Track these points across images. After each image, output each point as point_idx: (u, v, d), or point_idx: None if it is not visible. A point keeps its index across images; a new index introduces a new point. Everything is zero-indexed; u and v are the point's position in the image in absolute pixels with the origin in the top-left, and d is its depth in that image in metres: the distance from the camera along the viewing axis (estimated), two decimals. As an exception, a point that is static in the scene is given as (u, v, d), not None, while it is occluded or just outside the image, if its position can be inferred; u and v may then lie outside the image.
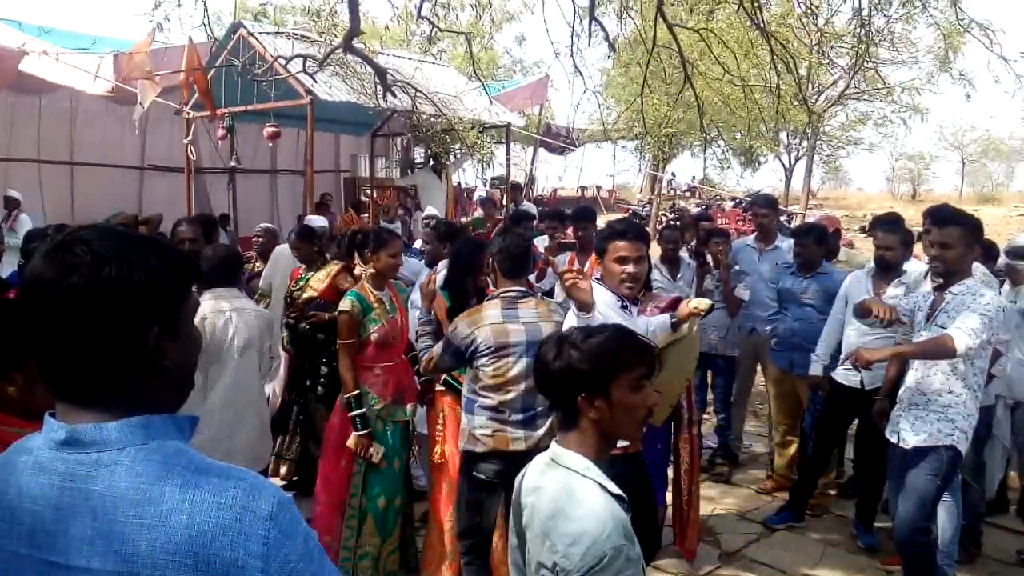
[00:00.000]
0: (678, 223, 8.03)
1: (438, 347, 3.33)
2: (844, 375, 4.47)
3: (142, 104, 8.39)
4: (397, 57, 10.88)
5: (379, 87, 7.46)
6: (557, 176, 30.09)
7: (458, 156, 13.01)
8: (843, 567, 4.19)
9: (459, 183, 17.81)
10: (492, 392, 3.17)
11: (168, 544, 0.95)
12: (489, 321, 3.17)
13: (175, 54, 8.42)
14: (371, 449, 3.63)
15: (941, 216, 3.47)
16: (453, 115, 9.60)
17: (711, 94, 9.51)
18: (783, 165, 24.74)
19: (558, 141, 20.80)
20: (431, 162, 12.90)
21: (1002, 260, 4.83)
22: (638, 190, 34.30)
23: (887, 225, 4.53)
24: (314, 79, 8.11)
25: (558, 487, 1.73)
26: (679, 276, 5.65)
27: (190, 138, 9.38)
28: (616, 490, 1.72)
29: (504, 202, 10.74)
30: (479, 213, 8.83)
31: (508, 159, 11.85)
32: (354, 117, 10.96)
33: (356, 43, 6.63)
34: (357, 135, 13.00)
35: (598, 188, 33.35)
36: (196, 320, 3.54)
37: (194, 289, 1.16)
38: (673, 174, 32.10)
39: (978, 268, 4.05)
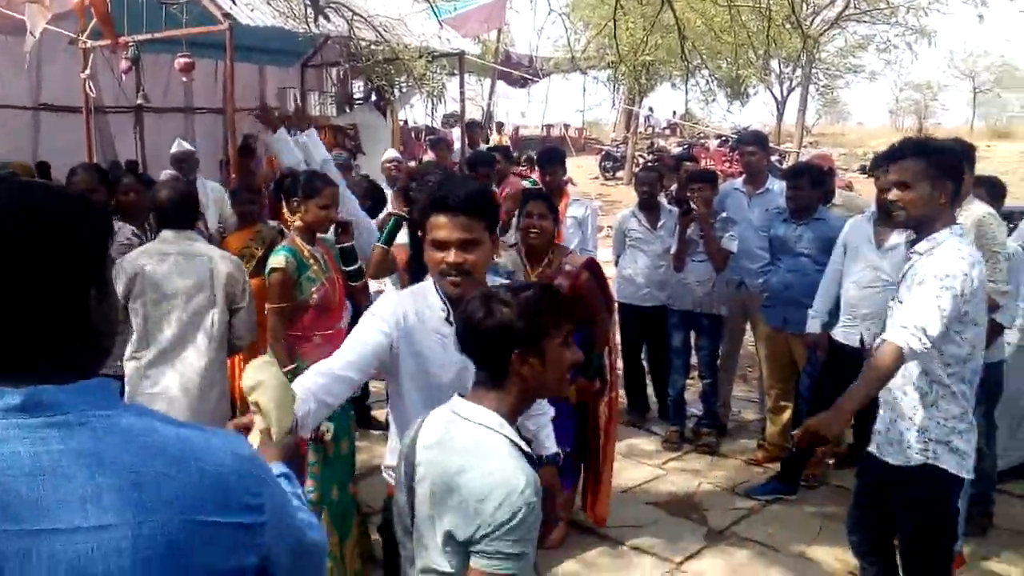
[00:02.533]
0: (656, 164, 8.09)
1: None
2: (843, 333, 4.59)
3: (32, 33, 8.12)
4: (331, -26, 10.66)
5: (309, 9, 7.32)
6: (519, 112, 29.91)
7: (404, 90, 12.86)
8: (843, 543, 4.30)
9: (406, 121, 17.64)
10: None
11: (181, 494, 1.03)
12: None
13: (69, -28, 8.15)
14: (321, 428, 3.61)
15: (894, 150, 3.03)
16: (397, 42, 9.46)
17: (693, 16, 9.52)
18: (774, 97, 25.01)
19: (519, 72, 20.68)
20: (373, 97, 12.73)
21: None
22: (611, 128, 34.36)
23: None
24: (233, 1, 7.94)
25: (466, 442, 1.84)
26: (659, 224, 5.71)
27: (88, 72, 9.11)
28: (527, 448, 1.86)
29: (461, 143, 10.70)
30: (430, 156, 8.79)
31: (462, 93, 11.75)
32: (281, 45, 10.74)
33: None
34: (285, 66, 12.76)
35: (566, 126, 33.32)
36: (135, 266, 3.50)
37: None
38: (651, 109, 32.20)
39: (984, 208, 4.14)
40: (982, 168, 4.73)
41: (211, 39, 8.76)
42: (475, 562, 1.75)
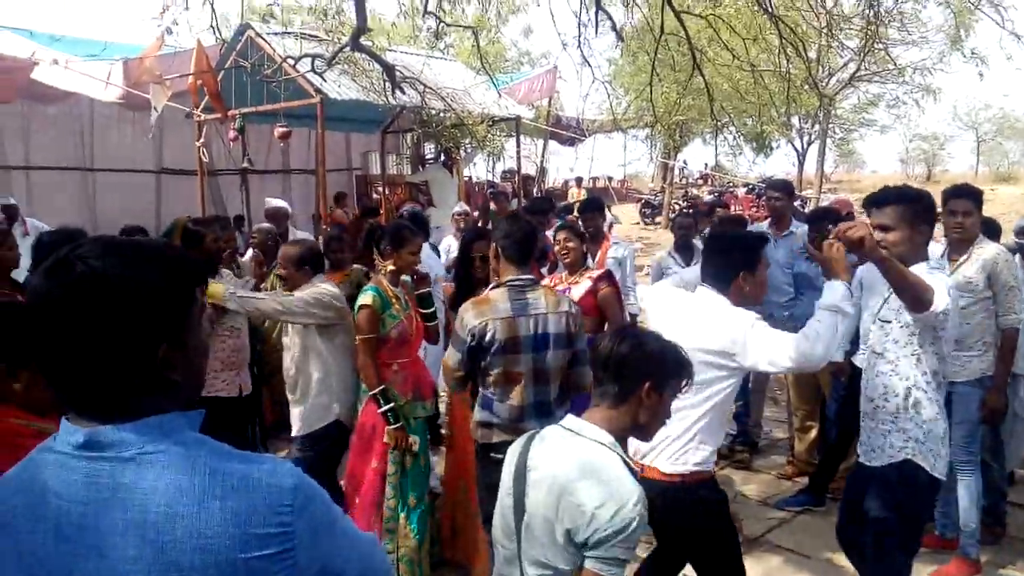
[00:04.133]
0: (691, 211, 8.02)
1: (449, 349, 3.15)
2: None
3: (155, 108, 8.45)
4: (405, 53, 10.89)
5: (388, 84, 7.47)
6: (568, 168, 29.93)
7: (468, 150, 13.02)
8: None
9: (470, 177, 17.82)
10: (502, 389, 3.05)
11: (205, 530, 0.99)
12: (499, 315, 2.98)
13: (184, 57, 8.47)
14: (410, 439, 3.62)
15: (876, 198, 3.02)
16: (462, 109, 9.61)
17: (721, 80, 9.48)
18: (795, 150, 24.63)
19: (568, 132, 20.76)
20: (442, 157, 12.91)
21: (1012, 239, 4.79)
22: (650, 179, 34.22)
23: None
24: (323, 78, 8.13)
25: (583, 455, 1.86)
26: (693, 263, 5.65)
27: (202, 140, 9.43)
28: (635, 472, 1.88)
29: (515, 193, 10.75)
30: (492, 206, 8.85)
31: (518, 152, 11.84)
32: (364, 115, 10.98)
33: (363, 41, 6.63)
34: (368, 133, 13.03)
35: (610, 178, 33.28)
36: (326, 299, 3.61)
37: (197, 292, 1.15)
38: (685, 162, 31.99)
39: (996, 247, 4.01)
40: (987, 209, 4.60)
41: (305, 111, 9.01)
42: (590, 564, 1.77)
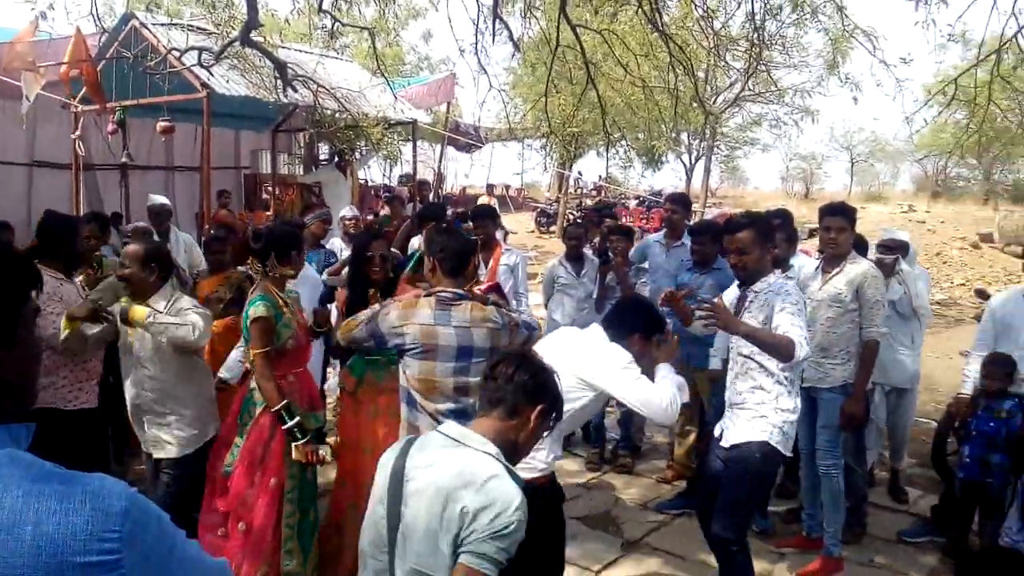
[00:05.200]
0: (582, 221, 8.19)
1: (363, 315, 3.17)
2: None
3: (27, 97, 7.94)
4: (298, 51, 10.65)
5: (279, 81, 7.30)
6: (463, 174, 29.95)
7: (363, 153, 12.87)
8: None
9: (366, 180, 17.59)
10: (420, 395, 3.07)
11: (13, 557, 0.92)
12: (420, 321, 3.03)
13: (61, 45, 8.01)
14: (321, 451, 3.46)
15: (732, 224, 3.60)
16: (357, 111, 9.48)
17: (614, 95, 9.72)
18: (683, 164, 25.53)
19: (466, 138, 20.82)
20: (335, 159, 12.70)
21: (873, 253, 5.11)
22: (546, 188, 34.68)
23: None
24: (210, 72, 7.87)
25: (468, 465, 1.88)
26: (583, 273, 5.77)
27: (78, 132, 8.93)
28: (520, 480, 1.91)
29: (411, 199, 10.67)
30: (386, 211, 8.76)
31: (415, 156, 11.77)
32: (254, 112, 10.67)
33: (254, 36, 6.46)
34: (258, 131, 12.68)
35: (507, 187, 33.51)
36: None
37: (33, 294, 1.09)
38: (580, 173, 32.59)
39: (867, 264, 4.27)
40: (857, 227, 4.90)
41: (191, 105, 8.69)
42: (463, 559, 1.78)
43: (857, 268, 4.16)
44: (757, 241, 3.45)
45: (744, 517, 3.51)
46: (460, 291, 3.13)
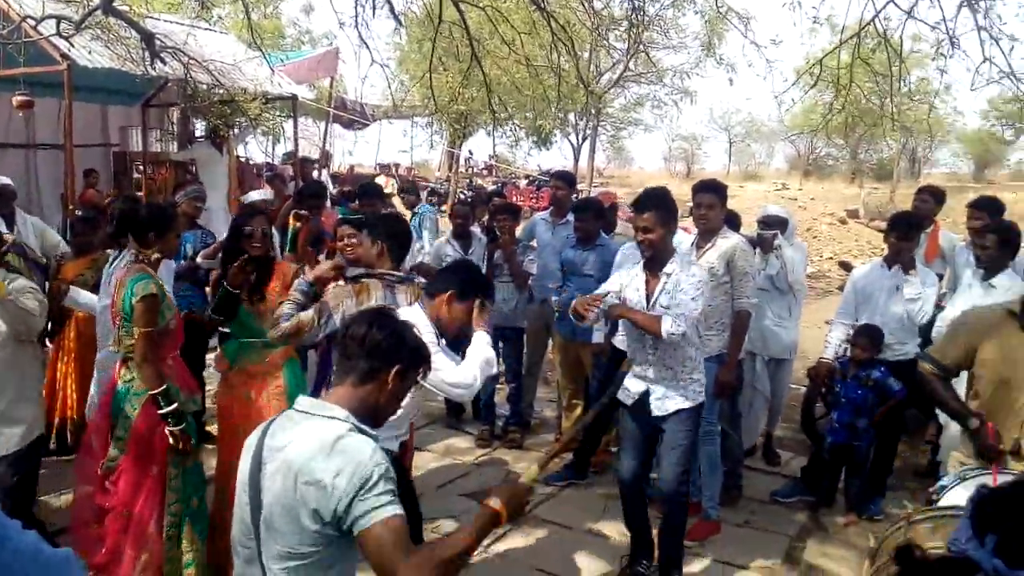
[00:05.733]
0: (470, 199, 8.18)
1: (309, 316, 3.25)
2: (622, 341, 4.78)
3: None
4: (167, 22, 10.09)
5: (146, 53, 6.90)
6: (346, 151, 29.18)
7: (241, 129, 12.35)
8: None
9: (247, 158, 16.93)
10: None
11: None
12: (376, 302, 3.25)
13: None
14: (188, 440, 3.33)
15: (639, 202, 3.71)
16: (232, 85, 9.08)
17: (500, 73, 9.72)
18: (571, 144, 25.93)
19: (351, 116, 20.35)
20: (211, 135, 12.14)
21: (755, 230, 5.34)
22: (437, 168, 34.47)
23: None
24: (71, 43, 7.34)
25: (315, 434, 1.82)
26: (471, 251, 5.76)
27: (-77, 107, 8.18)
28: (373, 432, 1.89)
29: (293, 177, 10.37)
30: (267, 190, 8.45)
31: (296, 133, 11.42)
32: (121, 86, 10.04)
33: (119, 5, 6.09)
34: (127, 105, 11.92)
35: (396, 165, 33.07)
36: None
37: None
38: (470, 152, 32.59)
39: (737, 238, 4.45)
40: (733, 204, 5.11)
41: (51, 79, 8.09)
42: (358, 529, 1.72)
43: (728, 242, 4.32)
44: (662, 222, 3.61)
45: (688, 470, 3.86)
46: (403, 274, 3.39)
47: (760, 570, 4.08)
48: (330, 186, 12.15)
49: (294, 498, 1.75)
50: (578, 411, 5.41)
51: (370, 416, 1.93)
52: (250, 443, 1.94)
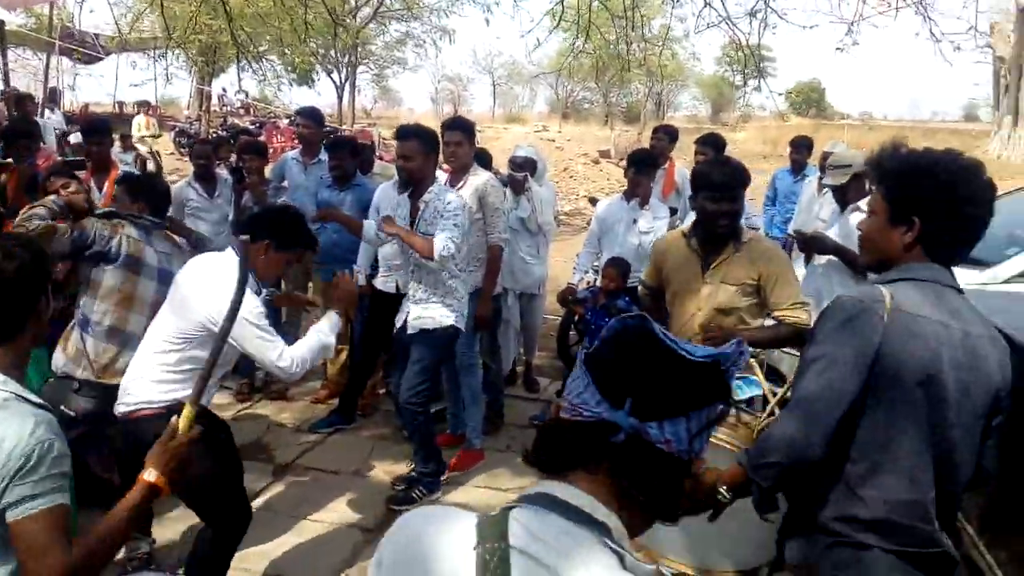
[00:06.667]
0: (214, 138, 7.63)
1: (63, 225, 3.10)
2: (383, 282, 4.75)
3: None
4: None
5: None
6: (68, 86, 25.77)
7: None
8: (391, 458, 4.54)
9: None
10: (114, 308, 3.17)
11: None
12: (131, 234, 3.22)
13: None
14: None
15: (401, 132, 3.88)
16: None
17: (243, 3, 9.04)
18: (333, 83, 25.03)
19: (82, 48, 18.09)
20: None
21: (506, 171, 5.47)
22: (186, 106, 31.84)
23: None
24: None
25: None
26: (216, 194, 5.39)
27: None
28: (40, 401, 1.62)
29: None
30: None
31: (5, 65, 9.95)
32: None
33: None
34: None
35: (139, 104, 30.01)
36: None
37: None
38: (224, 89, 30.37)
39: (487, 175, 4.52)
40: (497, 146, 5.19)
41: None
42: (10, 518, 1.47)
43: (479, 179, 4.40)
44: (423, 151, 3.80)
45: (429, 387, 3.99)
46: (156, 220, 3.38)
47: (519, 490, 4.27)
48: (63, 126, 10.82)
49: None
50: (343, 356, 5.32)
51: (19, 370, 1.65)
52: None
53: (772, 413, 2.50)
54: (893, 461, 1.75)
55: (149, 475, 1.65)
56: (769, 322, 3.07)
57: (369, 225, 4.12)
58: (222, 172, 5.62)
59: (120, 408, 2.77)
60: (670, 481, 1.06)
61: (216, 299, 2.59)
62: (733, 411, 2.50)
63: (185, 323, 2.73)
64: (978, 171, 1.77)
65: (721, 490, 1.87)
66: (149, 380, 2.74)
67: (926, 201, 1.77)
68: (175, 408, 2.59)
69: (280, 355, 2.79)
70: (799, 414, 1.77)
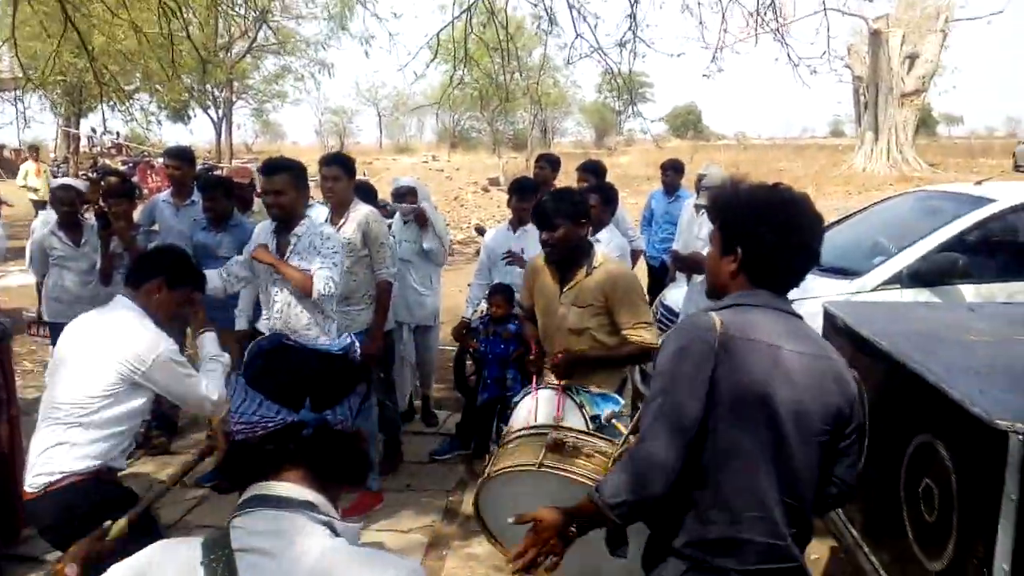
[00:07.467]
0: (88, 179, 7.24)
1: None
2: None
3: None
4: None
5: None
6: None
7: None
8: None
9: None
10: None
11: None
12: None
13: None
14: None
15: (269, 166, 3.79)
16: None
17: (106, 41, 8.65)
18: (211, 119, 24.30)
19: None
20: None
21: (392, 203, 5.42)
22: (52, 149, 30.19)
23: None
24: None
25: None
26: (83, 242, 5.09)
27: None
28: None
29: None
30: None
31: None
32: None
33: None
34: None
35: (28, 148, 28.25)
36: None
37: None
38: (92, 129, 29.03)
39: (368, 208, 4.45)
40: (390, 176, 5.14)
41: None
42: None
43: (360, 213, 4.34)
44: (293, 184, 3.72)
45: None
46: None
47: (422, 530, 4.20)
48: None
49: None
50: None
51: None
52: None
53: (627, 441, 2.53)
54: (735, 480, 1.79)
55: (70, 570, 1.78)
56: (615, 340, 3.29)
57: (213, 275, 3.82)
58: (89, 218, 5.31)
59: (40, 480, 2.59)
60: (352, 452, 1.29)
61: (131, 343, 2.60)
62: (589, 438, 2.53)
63: (104, 378, 2.61)
64: (801, 204, 1.87)
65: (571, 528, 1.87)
66: (70, 446, 2.60)
67: (748, 232, 1.85)
68: (104, 474, 2.66)
69: (207, 387, 2.83)
70: (642, 454, 1.79)
